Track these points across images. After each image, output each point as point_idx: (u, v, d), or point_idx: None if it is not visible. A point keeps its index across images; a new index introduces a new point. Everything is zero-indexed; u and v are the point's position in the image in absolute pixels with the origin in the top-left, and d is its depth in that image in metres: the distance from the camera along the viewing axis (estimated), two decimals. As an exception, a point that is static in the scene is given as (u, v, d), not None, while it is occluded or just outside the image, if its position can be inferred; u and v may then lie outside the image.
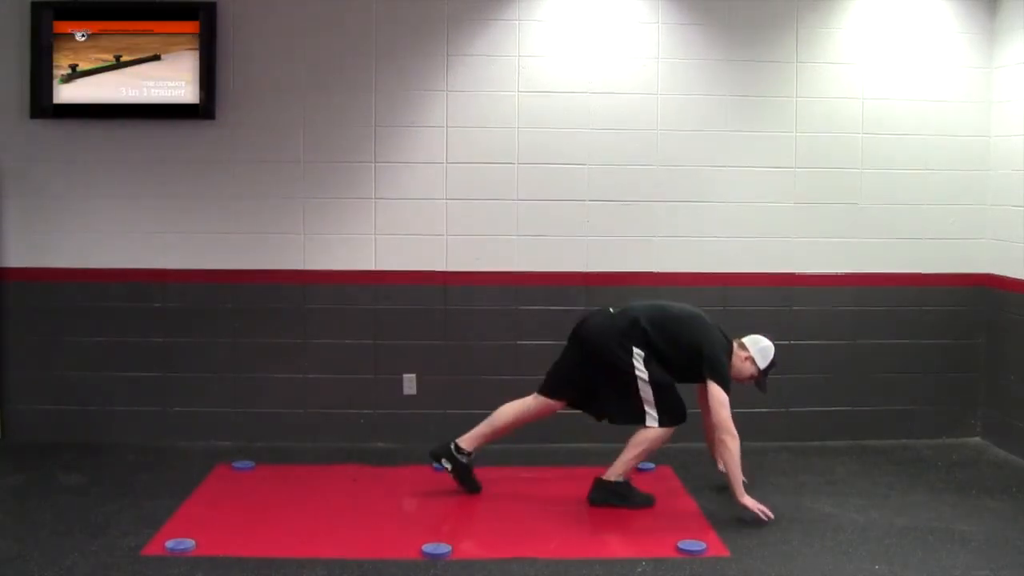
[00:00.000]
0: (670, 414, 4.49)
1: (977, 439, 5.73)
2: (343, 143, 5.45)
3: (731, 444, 4.32)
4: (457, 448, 4.66)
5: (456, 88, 5.45)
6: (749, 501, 4.32)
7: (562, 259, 5.52)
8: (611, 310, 4.65)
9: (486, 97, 5.46)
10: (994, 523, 4.39)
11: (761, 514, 4.30)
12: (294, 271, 5.48)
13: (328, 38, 5.41)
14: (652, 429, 4.48)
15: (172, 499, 4.54)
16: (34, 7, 5.24)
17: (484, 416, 4.86)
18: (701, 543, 4.07)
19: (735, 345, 4.60)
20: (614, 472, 4.54)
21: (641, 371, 4.46)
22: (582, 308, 5.50)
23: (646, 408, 4.47)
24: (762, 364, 4.57)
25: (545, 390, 4.70)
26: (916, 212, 5.64)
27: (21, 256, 5.44)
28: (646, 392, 4.46)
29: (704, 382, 4.51)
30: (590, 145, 5.49)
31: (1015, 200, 5.43)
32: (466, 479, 4.68)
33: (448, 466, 4.65)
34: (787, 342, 5.54)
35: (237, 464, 5.09)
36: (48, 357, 5.48)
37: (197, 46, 5.27)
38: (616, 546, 4.18)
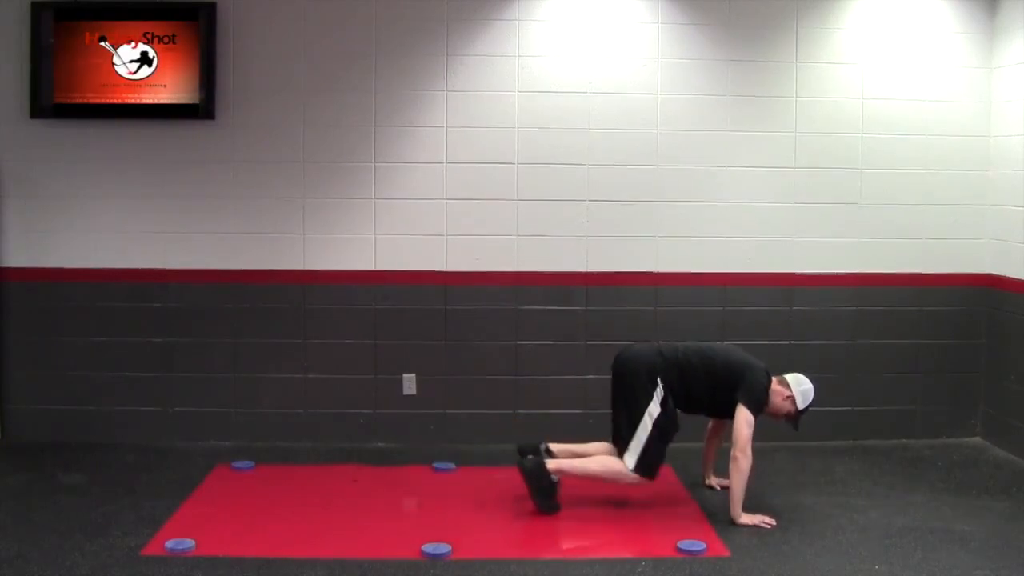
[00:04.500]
0: (646, 466, 4.41)
1: (977, 439, 5.73)
2: (343, 143, 5.45)
3: (743, 464, 4.29)
4: (548, 450, 4.63)
5: (456, 88, 5.45)
6: (746, 519, 4.31)
7: (562, 259, 5.52)
8: (655, 342, 4.62)
9: (486, 97, 5.46)
10: (994, 523, 4.39)
11: (762, 523, 4.30)
12: (294, 271, 5.48)
13: (328, 38, 5.41)
14: (623, 468, 4.43)
15: (172, 499, 4.54)
16: (34, 7, 5.23)
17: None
18: (701, 543, 4.07)
19: (775, 381, 4.55)
20: (562, 468, 4.45)
21: (654, 407, 4.42)
22: (581, 308, 5.53)
23: (632, 443, 4.42)
24: (801, 405, 4.52)
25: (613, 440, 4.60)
26: (916, 212, 5.64)
27: (21, 256, 5.43)
28: (644, 430, 4.41)
29: (723, 416, 4.52)
30: (590, 145, 5.49)
31: (1015, 200, 5.43)
32: (543, 491, 4.42)
33: (528, 465, 4.43)
34: (787, 342, 5.55)
35: (237, 464, 5.09)
36: (48, 357, 5.48)
37: (197, 46, 5.27)
38: (616, 546, 4.17)
